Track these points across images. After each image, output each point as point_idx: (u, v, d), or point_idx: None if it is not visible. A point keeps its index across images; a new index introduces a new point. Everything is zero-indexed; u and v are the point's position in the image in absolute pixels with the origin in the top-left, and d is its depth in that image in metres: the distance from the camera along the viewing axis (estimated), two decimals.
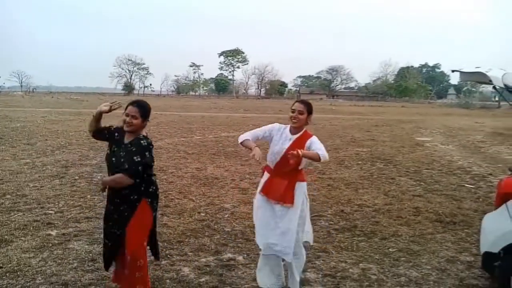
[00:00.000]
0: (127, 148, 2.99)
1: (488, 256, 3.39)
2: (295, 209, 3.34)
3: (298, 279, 3.50)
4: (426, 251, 4.52)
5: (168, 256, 4.21)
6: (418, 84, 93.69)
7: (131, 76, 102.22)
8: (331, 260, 4.23)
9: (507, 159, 11.28)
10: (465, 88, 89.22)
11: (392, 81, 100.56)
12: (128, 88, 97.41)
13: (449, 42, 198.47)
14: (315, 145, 3.31)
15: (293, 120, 3.36)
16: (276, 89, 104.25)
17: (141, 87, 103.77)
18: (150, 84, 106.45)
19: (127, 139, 3.04)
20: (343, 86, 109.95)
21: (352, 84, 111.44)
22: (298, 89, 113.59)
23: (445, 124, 22.84)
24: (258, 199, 3.52)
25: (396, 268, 4.09)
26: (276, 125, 3.51)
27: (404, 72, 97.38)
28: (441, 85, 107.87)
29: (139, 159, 2.91)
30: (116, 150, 3.02)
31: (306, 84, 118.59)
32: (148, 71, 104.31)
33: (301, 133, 3.42)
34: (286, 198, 3.33)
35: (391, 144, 13.72)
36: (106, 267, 3.27)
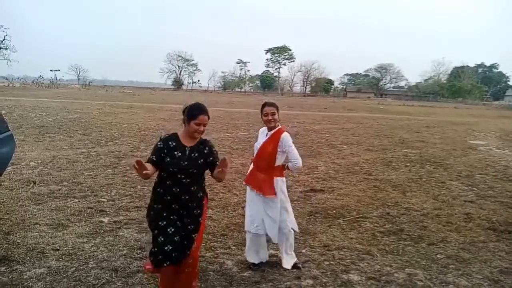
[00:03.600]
0: (195, 150, 3.06)
1: None
2: (277, 200, 3.83)
3: (287, 257, 3.98)
4: (477, 259, 4.31)
5: (212, 248, 4.31)
6: (472, 85, 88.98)
7: (181, 72, 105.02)
8: (375, 263, 4.14)
9: None
10: None
11: (445, 81, 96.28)
12: (177, 83, 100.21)
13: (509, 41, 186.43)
14: (290, 153, 3.84)
15: (269, 124, 3.83)
16: (322, 86, 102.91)
17: (190, 83, 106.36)
18: (198, 80, 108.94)
19: (189, 143, 3.07)
20: (392, 85, 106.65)
21: (402, 83, 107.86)
22: (344, 87, 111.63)
23: (501, 127, 21.53)
24: (251, 193, 3.93)
25: (444, 275, 3.93)
26: (262, 129, 3.99)
27: (458, 72, 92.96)
28: (498, 86, 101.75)
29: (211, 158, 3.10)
30: (181, 154, 3.01)
31: (353, 82, 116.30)
32: (196, 67, 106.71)
33: (275, 129, 3.87)
34: (264, 190, 3.79)
35: (442, 147, 13.15)
36: (175, 262, 3.02)
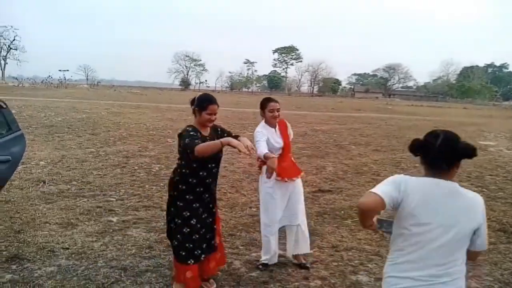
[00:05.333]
0: (214, 137, 3.18)
1: None
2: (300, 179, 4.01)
3: (308, 237, 4.01)
4: (487, 261, 4.27)
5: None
6: (482, 85, 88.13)
7: (188, 72, 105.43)
8: (384, 264, 4.10)
9: None
10: None
11: (454, 81, 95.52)
12: (185, 83, 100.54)
13: None
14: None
15: (275, 120, 3.85)
16: (330, 86, 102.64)
17: (197, 83, 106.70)
18: (206, 80, 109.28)
19: (205, 133, 3.20)
20: (400, 85, 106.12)
21: (411, 83, 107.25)
22: (352, 87, 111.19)
23: (510, 129, 21.33)
24: (273, 187, 3.80)
25: None
26: (263, 128, 3.83)
27: (468, 72, 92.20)
28: (509, 86, 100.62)
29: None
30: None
31: (361, 82, 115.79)
32: (204, 67, 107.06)
33: (277, 122, 3.91)
34: (297, 172, 3.99)
35: None
36: (196, 259, 3.16)
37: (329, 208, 5.99)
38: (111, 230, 4.67)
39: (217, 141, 2.93)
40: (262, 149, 3.60)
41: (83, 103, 25.15)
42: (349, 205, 6.15)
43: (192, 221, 3.14)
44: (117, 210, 5.38)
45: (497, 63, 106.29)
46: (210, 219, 3.30)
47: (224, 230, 4.85)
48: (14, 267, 3.69)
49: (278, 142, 3.82)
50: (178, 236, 3.14)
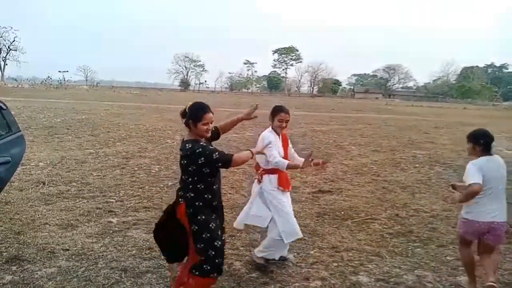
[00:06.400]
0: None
1: None
2: None
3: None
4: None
5: None
6: (482, 85, 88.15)
7: (188, 72, 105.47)
8: (384, 265, 4.11)
9: None
10: None
11: (454, 81, 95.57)
12: (185, 84, 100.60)
13: None
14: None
15: (281, 130, 3.88)
16: (330, 87, 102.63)
17: (197, 84, 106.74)
18: (205, 81, 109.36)
19: (207, 141, 3.15)
20: (401, 86, 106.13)
21: (411, 84, 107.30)
22: (352, 87, 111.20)
23: (511, 129, 21.33)
24: (283, 196, 3.87)
25: (454, 277, 3.90)
26: (271, 134, 3.83)
27: (468, 72, 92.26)
28: (508, 87, 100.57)
29: None
30: None
31: (361, 83, 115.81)
32: (203, 68, 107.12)
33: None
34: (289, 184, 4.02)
35: (451, 148, 13.01)
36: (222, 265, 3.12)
37: (329, 208, 5.98)
38: (111, 231, 4.67)
39: (248, 152, 3.15)
40: (280, 158, 3.69)
41: (83, 104, 25.15)
42: (349, 205, 6.15)
43: (218, 232, 3.05)
44: (117, 211, 5.37)
45: (497, 64, 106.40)
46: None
47: (224, 230, 4.84)
48: (14, 268, 3.68)
49: (281, 152, 3.81)
50: (210, 252, 2.96)
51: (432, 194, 7.06)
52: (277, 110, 3.85)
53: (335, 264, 4.10)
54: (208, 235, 2.94)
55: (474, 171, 3.33)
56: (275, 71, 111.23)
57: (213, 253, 2.95)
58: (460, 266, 4.12)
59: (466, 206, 3.51)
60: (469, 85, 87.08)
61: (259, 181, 3.86)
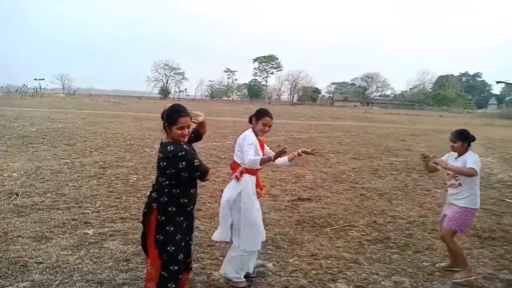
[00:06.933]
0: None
1: None
2: None
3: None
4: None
5: (199, 259, 4.27)
6: (457, 93, 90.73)
7: (167, 80, 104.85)
8: (362, 272, 4.15)
9: None
10: (508, 98, 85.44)
11: (430, 90, 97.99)
12: (164, 92, 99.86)
13: (490, 50, 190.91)
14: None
15: (263, 134, 3.86)
16: (309, 95, 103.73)
17: (177, 92, 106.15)
18: (185, 89, 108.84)
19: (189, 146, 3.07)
20: (378, 94, 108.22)
21: (388, 92, 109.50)
22: (331, 95, 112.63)
23: (485, 136, 21.89)
24: (254, 200, 3.75)
25: (430, 282, 3.96)
26: (252, 134, 3.77)
27: (443, 81, 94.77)
28: (482, 95, 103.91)
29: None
30: None
31: (340, 91, 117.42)
32: (183, 76, 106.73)
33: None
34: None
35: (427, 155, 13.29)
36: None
37: (308, 216, 6.01)
38: (87, 243, 4.56)
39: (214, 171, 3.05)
40: (253, 156, 3.60)
41: (59, 113, 24.65)
42: (328, 213, 6.19)
43: (182, 244, 2.96)
44: (93, 222, 5.26)
45: (471, 72, 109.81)
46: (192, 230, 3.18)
47: (204, 240, 4.82)
48: None
49: (260, 154, 3.76)
50: (173, 267, 2.87)
51: (409, 200, 7.20)
52: (263, 114, 3.77)
53: (314, 272, 4.11)
54: (173, 248, 2.85)
55: (477, 161, 3.95)
56: (255, 79, 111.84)
57: (176, 268, 2.87)
58: (436, 272, 4.21)
59: (465, 198, 4.01)
60: (445, 93, 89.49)
61: (238, 179, 3.65)
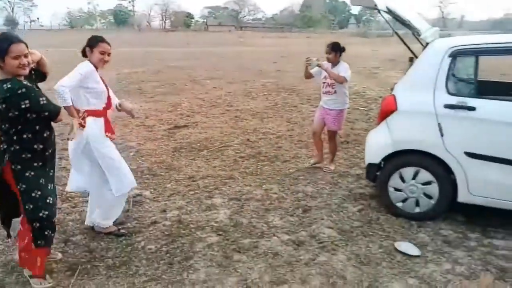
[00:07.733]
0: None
1: (371, 167, 3.84)
2: None
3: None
4: (321, 169, 4.95)
5: (69, 198, 4.08)
6: (322, 15, 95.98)
7: (13, 8, 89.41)
8: (237, 185, 4.45)
9: (396, 82, 12.37)
10: (364, 17, 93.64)
11: (298, 12, 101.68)
12: (10, 22, 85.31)
13: None
14: None
15: (103, 65, 3.20)
16: (182, 21, 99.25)
17: (27, 22, 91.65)
18: (38, 18, 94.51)
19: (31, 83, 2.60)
20: (251, 18, 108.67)
21: (260, 15, 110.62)
22: (205, 20, 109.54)
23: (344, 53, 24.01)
24: (111, 146, 3.28)
25: (295, 186, 4.46)
26: (90, 65, 3.13)
27: (309, 2, 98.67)
28: (343, 15, 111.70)
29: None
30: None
31: (213, 16, 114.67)
32: (33, 3, 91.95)
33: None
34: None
35: (294, 74, 14.08)
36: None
37: (185, 142, 6.09)
38: None
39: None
40: (67, 92, 2.92)
41: None
42: (205, 137, 6.35)
43: (49, 186, 2.68)
44: None
45: None
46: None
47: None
48: None
49: (104, 91, 3.21)
50: (43, 212, 2.60)
51: (278, 117, 7.73)
52: (96, 40, 3.15)
53: (192, 192, 4.28)
54: (39, 193, 2.58)
55: (347, 68, 4.67)
56: (121, 4, 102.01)
57: (46, 213, 2.61)
58: (301, 176, 4.74)
59: (340, 102, 4.77)
60: (311, 15, 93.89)
61: (82, 126, 3.03)
